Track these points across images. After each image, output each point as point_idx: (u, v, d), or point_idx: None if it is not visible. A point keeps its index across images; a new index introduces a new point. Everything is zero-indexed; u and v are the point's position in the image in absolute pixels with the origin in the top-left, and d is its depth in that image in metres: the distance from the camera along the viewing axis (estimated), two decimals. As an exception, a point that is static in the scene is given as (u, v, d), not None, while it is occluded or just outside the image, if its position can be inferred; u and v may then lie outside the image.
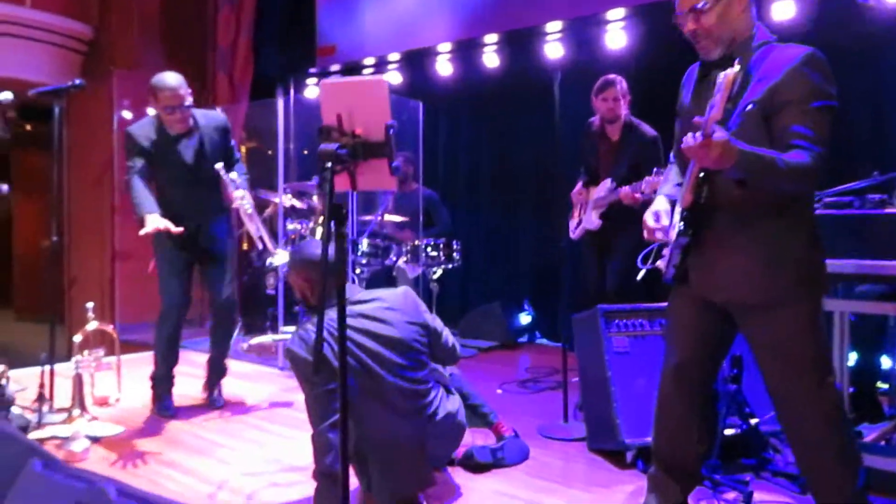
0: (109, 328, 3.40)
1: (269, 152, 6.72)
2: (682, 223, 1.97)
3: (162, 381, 3.60)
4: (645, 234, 2.15)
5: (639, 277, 2.23)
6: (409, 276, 5.20)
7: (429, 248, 4.97)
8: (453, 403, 2.59)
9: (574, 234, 4.29)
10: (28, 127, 8.29)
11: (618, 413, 2.90)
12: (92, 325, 3.32)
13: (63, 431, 3.18)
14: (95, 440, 3.11)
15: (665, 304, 3.10)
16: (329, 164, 1.58)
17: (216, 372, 3.74)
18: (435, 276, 5.10)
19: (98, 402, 3.56)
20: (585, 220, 4.18)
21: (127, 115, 6.07)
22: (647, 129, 3.92)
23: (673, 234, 2.04)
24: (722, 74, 1.74)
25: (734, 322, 2.09)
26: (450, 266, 5.07)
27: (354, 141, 1.62)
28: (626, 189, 3.69)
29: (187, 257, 3.51)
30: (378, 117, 1.60)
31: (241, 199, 3.37)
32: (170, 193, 3.46)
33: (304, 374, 2.31)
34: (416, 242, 4.97)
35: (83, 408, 3.27)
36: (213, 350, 3.72)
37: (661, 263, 2.21)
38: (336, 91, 1.63)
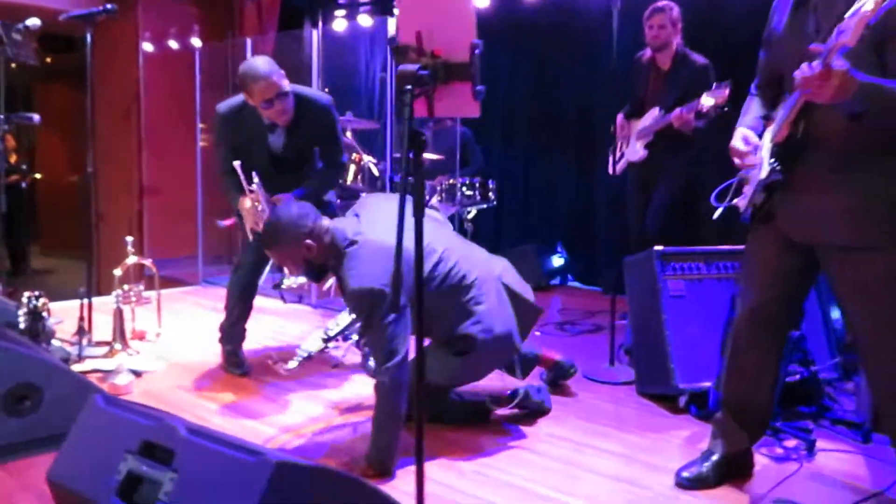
0: (148, 262, 3.33)
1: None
2: (773, 160, 1.84)
3: (232, 335, 3.24)
4: (735, 160, 2.01)
5: (715, 216, 2.11)
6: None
7: (464, 188, 4.84)
8: None
9: (614, 168, 4.16)
10: (48, 59, 8.13)
11: (672, 357, 2.82)
12: (132, 260, 3.25)
13: (104, 365, 3.15)
14: (137, 374, 3.08)
15: (719, 247, 3.05)
16: (409, 87, 1.46)
17: None
18: (469, 216, 4.99)
19: (136, 336, 3.52)
20: (628, 151, 4.04)
21: (148, 47, 5.90)
22: (699, 58, 3.78)
23: (762, 171, 1.91)
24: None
25: (817, 264, 1.98)
26: (485, 206, 4.96)
27: (434, 62, 1.49)
28: (679, 110, 3.55)
29: None
30: (462, 35, 1.46)
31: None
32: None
33: (370, 307, 2.22)
34: (452, 181, 4.84)
35: (124, 342, 3.24)
36: None
37: (739, 201, 2.08)
38: (415, 6, 1.49)
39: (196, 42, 5.86)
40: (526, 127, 5.67)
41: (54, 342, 3.21)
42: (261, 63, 2.87)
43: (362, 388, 2.99)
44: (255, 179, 2.87)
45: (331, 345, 2.76)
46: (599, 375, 3.24)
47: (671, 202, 3.93)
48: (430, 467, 2.32)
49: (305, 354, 2.66)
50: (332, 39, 5.91)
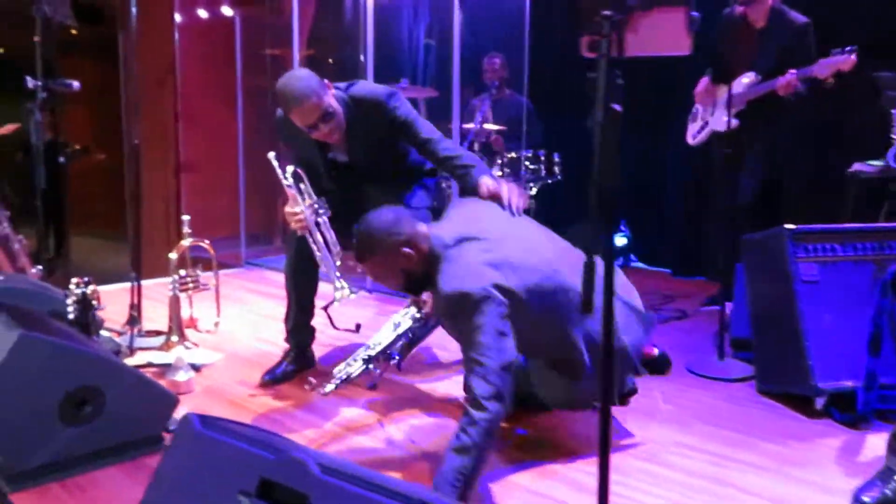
0: (206, 243, 3.00)
1: (330, 61, 6.20)
2: None
3: (296, 333, 2.82)
4: None
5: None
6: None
7: (528, 161, 4.47)
8: None
9: (694, 139, 3.77)
10: (74, 31, 7.79)
11: (810, 353, 2.45)
12: (187, 241, 2.92)
13: (159, 358, 2.84)
14: (196, 369, 2.77)
15: (856, 225, 2.67)
16: (607, 14, 1.10)
17: None
18: (532, 192, 4.61)
19: (189, 324, 3.20)
20: (713, 120, 3.64)
21: (182, 15, 5.54)
22: (797, 16, 3.38)
23: None
24: None
25: None
26: (549, 181, 4.59)
27: (634, -18, 1.13)
28: (791, 74, 3.15)
29: None
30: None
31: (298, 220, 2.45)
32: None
33: (472, 309, 1.89)
34: (514, 154, 4.47)
35: (182, 333, 2.92)
36: None
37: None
38: None
39: (227, 10, 5.49)
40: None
41: (102, 332, 2.90)
42: (296, 82, 2.38)
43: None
44: (289, 176, 2.43)
45: (371, 365, 2.39)
46: (708, 370, 2.88)
47: (767, 173, 3.55)
48: (553, 487, 1.99)
49: (344, 376, 2.30)
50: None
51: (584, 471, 2.05)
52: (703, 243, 4.54)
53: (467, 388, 1.90)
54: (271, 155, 2.55)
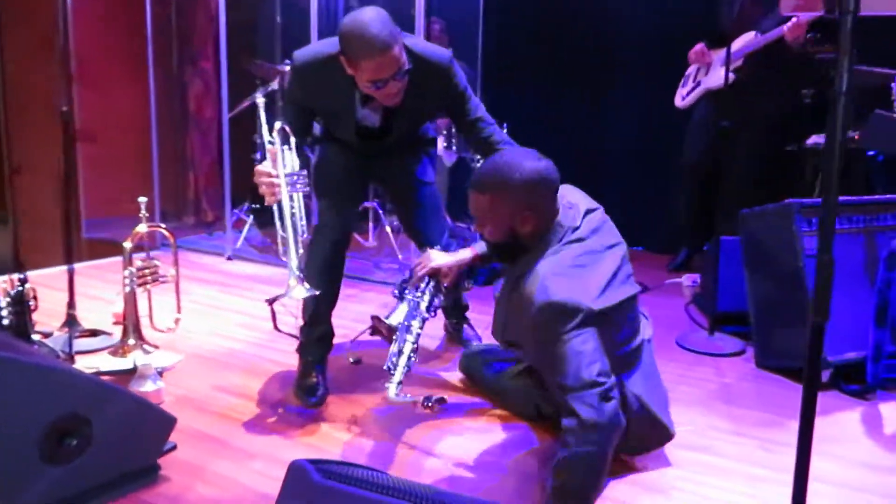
0: (162, 228, 2.57)
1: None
2: None
3: (311, 343, 2.35)
4: None
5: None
6: (445, 165, 4.51)
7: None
8: None
9: (683, 100, 3.73)
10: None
11: (819, 327, 2.45)
12: (144, 227, 2.49)
13: (110, 364, 2.43)
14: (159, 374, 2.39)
15: (854, 197, 2.69)
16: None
17: None
18: (479, 165, 4.40)
19: (117, 321, 2.74)
20: (707, 79, 3.59)
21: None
22: None
23: None
24: None
25: None
26: (497, 153, 4.41)
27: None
28: (798, 17, 3.10)
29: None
30: None
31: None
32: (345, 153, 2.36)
33: (564, 323, 1.69)
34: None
35: (140, 334, 2.50)
36: None
37: None
38: None
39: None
40: (547, 65, 4.97)
41: (34, 337, 2.44)
42: (376, 26, 1.95)
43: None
44: (275, 133, 2.03)
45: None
46: (700, 346, 2.85)
47: (766, 138, 3.55)
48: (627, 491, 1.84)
49: (403, 372, 1.99)
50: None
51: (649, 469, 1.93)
52: (642, 213, 4.54)
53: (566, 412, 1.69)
54: (259, 100, 2.22)
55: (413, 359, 1.94)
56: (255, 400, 2.31)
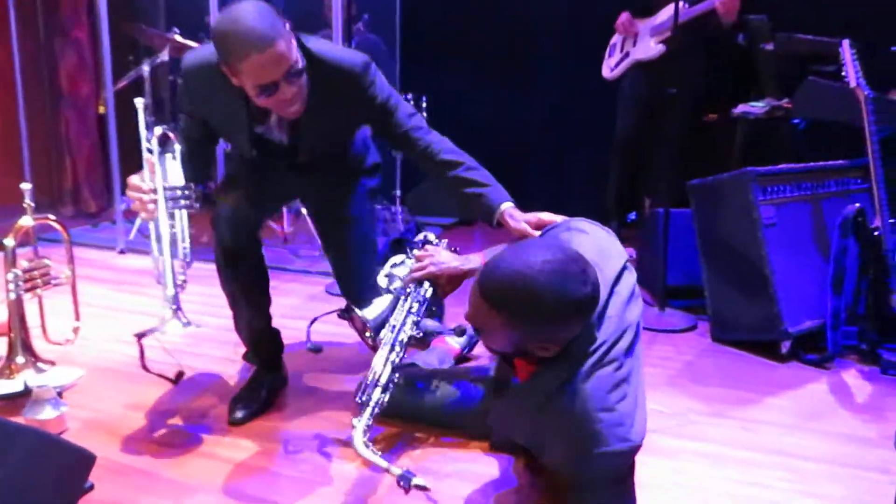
0: (53, 220, 2.12)
1: None
2: None
3: (261, 338, 2.07)
4: None
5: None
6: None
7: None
8: None
9: (612, 71, 3.62)
10: None
11: (779, 298, 2.40)
12: (29, 220, 2.04)
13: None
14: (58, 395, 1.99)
15: (807, 164, 2.64)
16: None
17: None
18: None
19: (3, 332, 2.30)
20: (635, 50, 3.49)
21: None
22: None
23: None
24: None
25: None
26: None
27: None
28: None
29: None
30: None
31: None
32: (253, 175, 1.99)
33: (616, 475, 1.44)
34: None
35: (31, 350, 2.08)
36: None
37: None
38: None
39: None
40: (469, 36, 4.67)
41: None
42: (254, 19, 1.57)
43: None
44: (153, 138, 1.73)
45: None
46: (654, 323, 2.75)
47: (695, 108, 3.50)
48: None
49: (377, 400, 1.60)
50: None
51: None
52: (569, 187, 4.45)
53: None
54: (139, 102, 1.84)
55: (387, 396, 1.61)
56: (183, 418, 1.97)
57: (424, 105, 4.11)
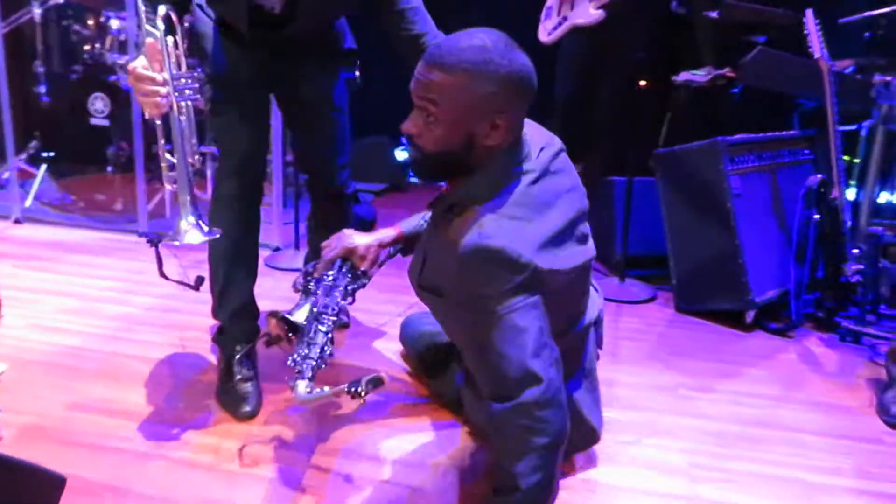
0: None
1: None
2: None
3: (231, 324, 1.87)
4: None
5: None
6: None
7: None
8: None
9: (549, 35, 3.51)
10: None
11: (747, 268, 2.41)
12: None
13: None
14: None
15: (771, 134, 2.65)
16: None
17: None
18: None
19: None
20: (573, 14, 3.39)
21: None
22: None
23: None
24: None
25: None
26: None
27: None
28: None
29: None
30: None
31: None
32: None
33: (503, 279, 1.28)
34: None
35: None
36: None
37: None
38: None
39: None
40: None
41: None
42: None
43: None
44: (159, 20, 1.45)
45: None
46: (616, 294, 2.71)
47: (629, 77, 3.45)
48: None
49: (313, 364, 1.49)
50: None
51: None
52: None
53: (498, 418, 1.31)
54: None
55: (328, 350, 1.46)
56: (144, 418, 1.72)
57: (358, 64, 3.87)
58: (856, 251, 2.43)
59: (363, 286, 1.66)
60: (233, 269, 1.82)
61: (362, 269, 1.66)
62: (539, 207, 1.35)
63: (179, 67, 1.46)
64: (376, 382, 1.25)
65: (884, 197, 3.12)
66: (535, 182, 1.37)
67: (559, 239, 1.36)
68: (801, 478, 1.61)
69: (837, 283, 2.44)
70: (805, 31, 2.50)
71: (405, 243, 1.73)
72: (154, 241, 1.54)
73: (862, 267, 2.42)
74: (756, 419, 1.86)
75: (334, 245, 1.67)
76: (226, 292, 1.83)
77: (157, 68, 1.44)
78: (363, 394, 1.25)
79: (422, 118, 1.33)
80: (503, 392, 1.29)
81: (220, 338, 1.88)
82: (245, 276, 1.86)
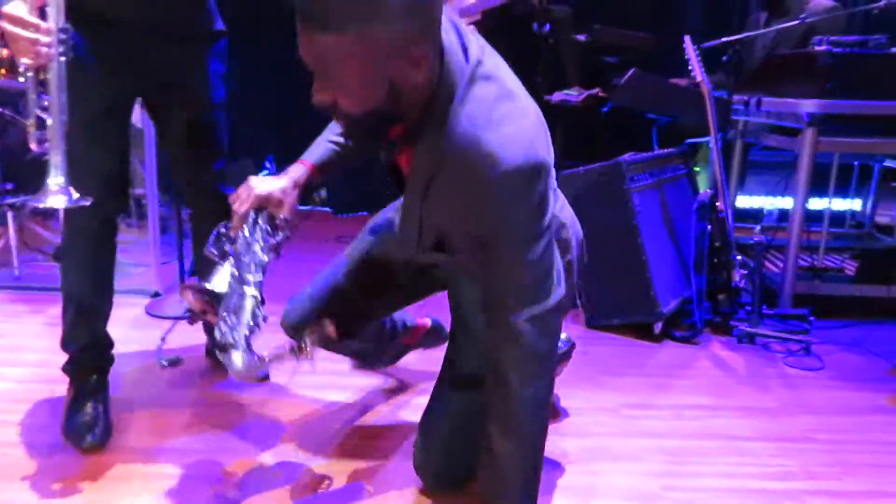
0: None
1: None
2: None
3: (80, 356, 1.76)
4: None
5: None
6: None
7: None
8: None
9: None
10: None
11: (654, 282, 2.51)
12: None
13: None
14: None
15: (660, 151, 2.77)
16: None
17: None
18: None
19: None
20: None
21: None
22: None
23: None
24: None
25: None
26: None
27: None
28: None
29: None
30: None
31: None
32: None
33: (534, 187, 1.19)
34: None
35: None
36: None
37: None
38: None
39: None
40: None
41: None
42: None
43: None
44: None
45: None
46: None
47: None
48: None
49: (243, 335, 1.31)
50: None
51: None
52: (363, 176, 4.27)
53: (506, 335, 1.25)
54: None
55: (260, 314, 1.30)
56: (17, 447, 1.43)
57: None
58: (740, 257, 2.63)
59: (288, 238, 1.46)
60: (84, 298, 1.72)
61: (283, 216, 1.44)
62: (510, 96, 1.23)
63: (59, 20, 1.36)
64: (320, 331, 1.12)
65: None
66: (488, 79, 1.21)
67: (541, 121, 1.28)
68: (760, 486, 1.67)
69: (730, 287, 2.61)
70: (686, 57, 2.66)
71: (318, 175, 1.51)
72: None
73: (746, 272, 2.62)
74: (700, 431, 1.92)
75: (244, 196, 1.43)
76: (76, 324, 1.74)
77: (36, 16, 1.33)
78: (307, 347, 1.12)
79: (329, 84, 1.14)
80: (539, 297, 1.23)
81: (70, 368, 1.78)
82: (96, 307, 1.76)
